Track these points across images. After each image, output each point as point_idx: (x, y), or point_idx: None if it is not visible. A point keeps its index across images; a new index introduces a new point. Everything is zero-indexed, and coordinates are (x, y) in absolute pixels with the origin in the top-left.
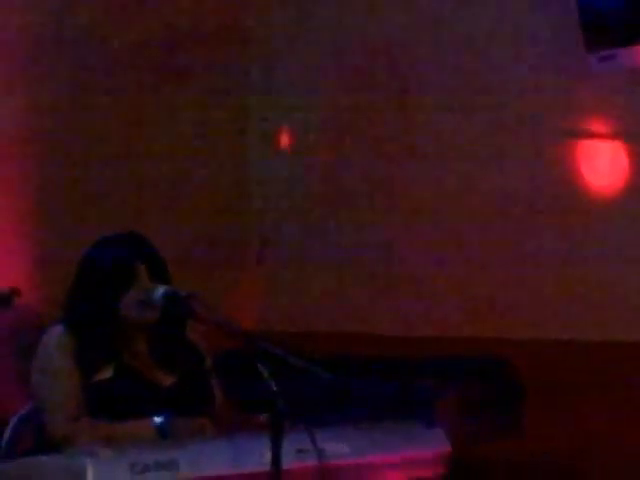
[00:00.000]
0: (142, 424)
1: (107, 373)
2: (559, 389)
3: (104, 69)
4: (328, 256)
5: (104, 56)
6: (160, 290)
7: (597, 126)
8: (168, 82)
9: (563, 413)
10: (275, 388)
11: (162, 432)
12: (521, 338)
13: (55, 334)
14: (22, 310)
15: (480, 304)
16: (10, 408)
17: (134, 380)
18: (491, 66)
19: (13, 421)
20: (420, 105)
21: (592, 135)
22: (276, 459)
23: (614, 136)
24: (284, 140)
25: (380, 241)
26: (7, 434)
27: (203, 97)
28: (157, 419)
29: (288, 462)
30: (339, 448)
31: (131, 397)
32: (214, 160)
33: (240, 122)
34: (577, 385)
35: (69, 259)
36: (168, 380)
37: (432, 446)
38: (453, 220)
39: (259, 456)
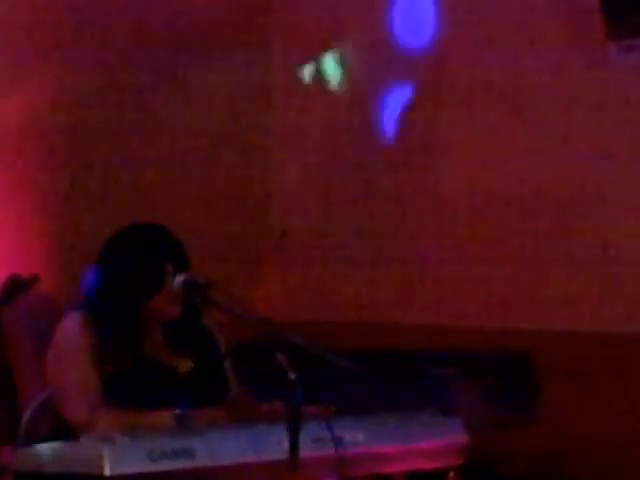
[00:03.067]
0: (162, 415)
1: (124, 362)
2: (578, 379)
3: (124, 59)
4: (348, 247)
5: (125, 45)
6: (180, 278)
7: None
8: (187, 72)
9: (582, 403)
10: (293, 377)
11: (181, 423)
12: (540, 329)
13: (74, 321)
14: (41, 296)
15: (499, 296)
16: (29, 394)
17: (151, 368)
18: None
19: (31, 407)
20: (441, 100)
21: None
22: (293, 448)
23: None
24: (306, 131)
25: (401, 232)
26: (25, 420)
27: (224, 88)
28: (177, 411)
29: (305, 451)
30: (356, 437)
31: (148, 385)
32: (234, 152)
33: (262, 113)
34: (596, 375)
35: (89, 246)
36: (185, 367)
37: (449, 436)
38: (473, 212)
39: (276, 445)
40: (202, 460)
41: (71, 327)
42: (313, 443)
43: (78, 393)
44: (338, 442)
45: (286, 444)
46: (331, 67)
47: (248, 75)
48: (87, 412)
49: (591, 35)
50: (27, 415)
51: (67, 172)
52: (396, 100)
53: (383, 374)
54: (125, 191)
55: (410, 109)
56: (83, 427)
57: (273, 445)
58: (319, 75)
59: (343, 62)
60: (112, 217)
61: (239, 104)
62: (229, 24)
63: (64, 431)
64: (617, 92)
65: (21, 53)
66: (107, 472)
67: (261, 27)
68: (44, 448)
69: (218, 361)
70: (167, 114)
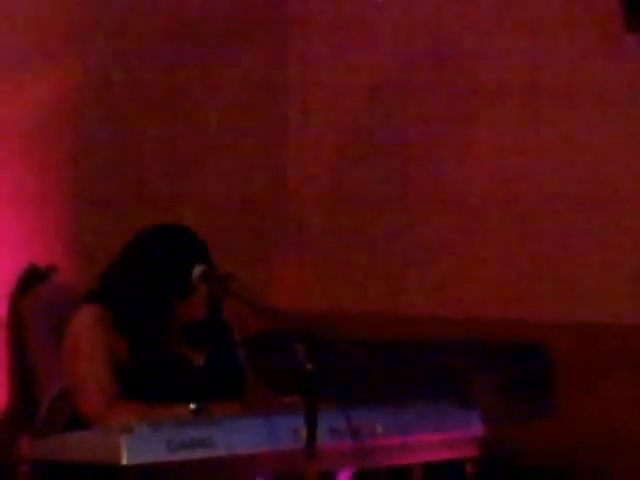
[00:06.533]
0: (178, 409)
1: (140, 355)
2: (593, 371)
3: (137, 48)
4: (364, 239)
5: (137, 35)
6: (198, 270)
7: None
8: (202, 61)
9: (597, 395)
10: (310, 368)
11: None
12: (555, 321)
13: (91, 313)
14: (59, 287)
15: (514, 287)
16: (46, 384)
17: (166, 361)
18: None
19: (49, 397)
20: (448, 88)
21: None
22: (311, 438)
23: None
24: (323, 123)
25: (413, 223)
26: (43, 410)
27: (239, 79)
28: (193, 405)
29: (322, 441)
30: (373, 428)
31: (164, 378)
32: (251, 142)
33: (278, 104)
34: (611, 367)
35: (107, 238)
36: (198, 359)
37: (466, 427)
38: (486, 202)
39: (294, 435)
40: (220, 450)
41: (88, 319)
42: (330, 434)
43: (92, 386)
44: (355, 433)
45: (304, 434)
46: None
47: (264, 66)
48: (101, 405)
49: (610, 28)
50: (45, 405)
51: (84, 164)
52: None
53: (400, 365)
54: (141, 183)
55: (427, 103)
56: (98, 420)
57: (291, 435)
58: None
59: None
60: (129, 210)
61: (255, 96)
62: (245, 14)
63: (81, 421)
64: (637, 85)
65: (24, 52)
66: (124, 462)
67: (278, 17)
68: (61, 438)
69: (231, 350)
70: (181, 107)
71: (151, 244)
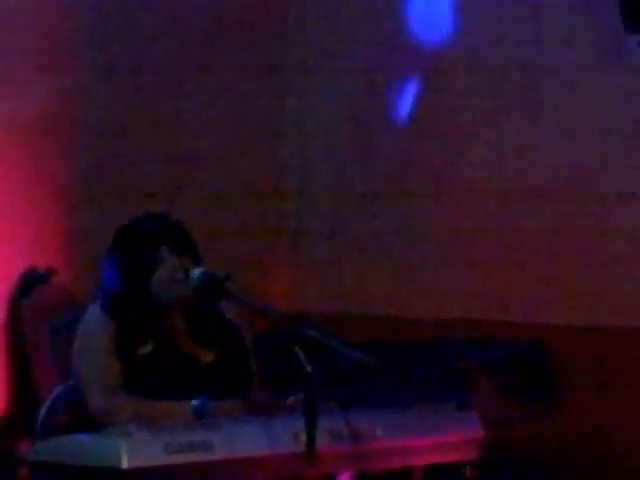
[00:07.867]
0: (179, 405)
1: (146, 349)
2: (594, 372)
3: (136, 44)
4: (361, 239)
5: (135, 32)
6: (197, 271)
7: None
8: (202, 59)
9: (598, 396)
10: (310, 370)
11: (198, 415)
12: (555, 324)
13: (92, 314)
14: (58, 289)
15: (514, 287)
16: (46, 386)
17: (173, 356)
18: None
19: (49, 399)
20: (452, 85)
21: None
22: (310, 441)
23: None
24: (321, 120)
25: (413, 225)
26: (43, 412)
27: (238, 75)
28: (194, 401)
29: (321, 444)
30: (373, 431)
31: (170, 372)
32: (249, 139)
33: (277, 101)
34: (610, 371)
35: (106, 239)
36: (207, 357)
37: (466, 430)
38: (485, 201)
39: (293, 438)
40: (219, 453)
41: (90, 319)
42: (330, 436)
43: (97, 381)
44: (355, 435)
45: (303, 437)
46: None
47: (263, 66)
48: (105, 398)
49: (608, 27)
50: (44, 408)
51: (83, 165)
52: (408, 88)
53: (400, 367)
54: (141, 185)
55: (420, 98)
56: (101, 414)
57: (290, 438)
58: None
59: None
60: (128, 210)
61: (255, 95)
62: (244, 8)
63: (81, 424)
64: (633, 84)
65: (30, 48)
66: (124, 465)
67: (277, 13)
68: (61, 441)
69: (241, 352)
70: (179, 106)
71: (114, 237)
